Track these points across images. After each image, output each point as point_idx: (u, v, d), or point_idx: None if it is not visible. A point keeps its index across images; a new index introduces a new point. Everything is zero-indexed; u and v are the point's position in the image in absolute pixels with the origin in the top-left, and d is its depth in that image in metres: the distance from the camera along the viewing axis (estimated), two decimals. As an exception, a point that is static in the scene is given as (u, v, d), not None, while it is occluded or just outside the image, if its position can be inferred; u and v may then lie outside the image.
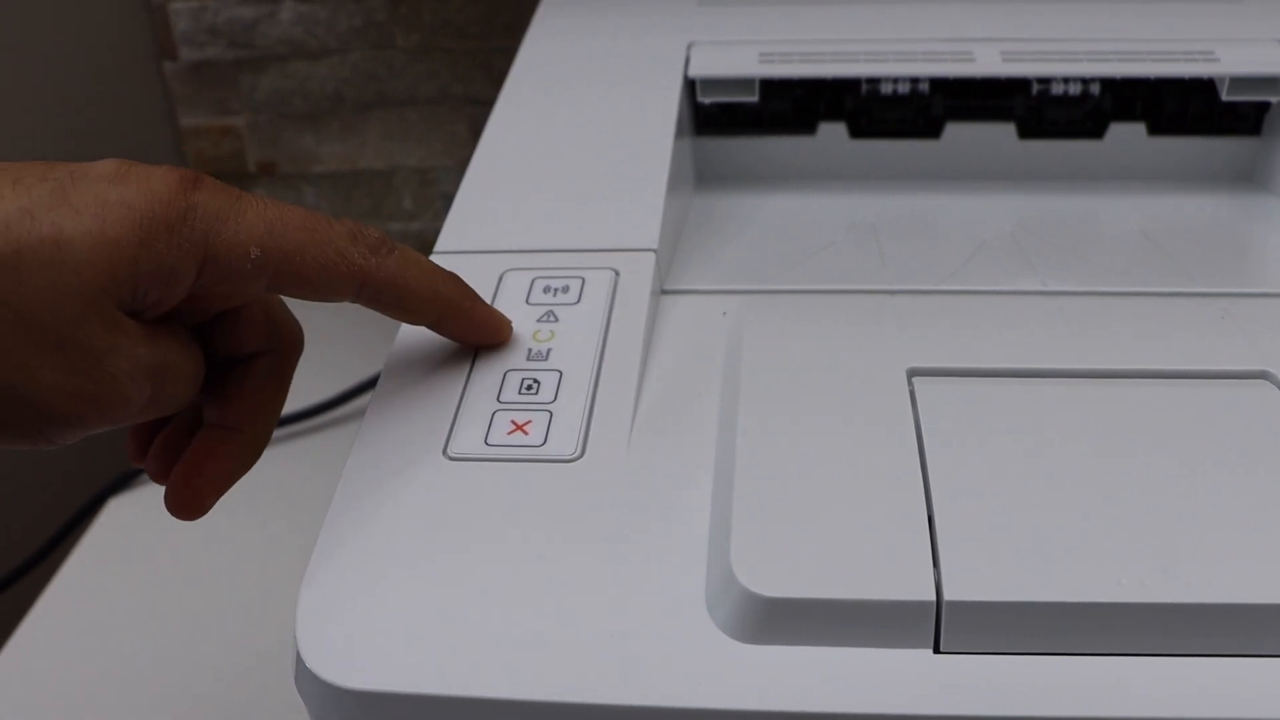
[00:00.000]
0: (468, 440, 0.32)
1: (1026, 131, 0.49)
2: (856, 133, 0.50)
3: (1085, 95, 0.48)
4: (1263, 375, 0.33)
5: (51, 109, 0.78)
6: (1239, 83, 0.46)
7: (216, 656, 0.55)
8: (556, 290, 0.37)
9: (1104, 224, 0.45)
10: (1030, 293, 0.38)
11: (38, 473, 0.82)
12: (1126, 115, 0.49)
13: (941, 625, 0.26)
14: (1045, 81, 0.48)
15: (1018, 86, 0.48)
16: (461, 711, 0.26)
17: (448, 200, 0.58)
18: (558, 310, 0.36)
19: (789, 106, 0.50)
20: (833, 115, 0.50)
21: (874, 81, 0.49)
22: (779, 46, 0.49)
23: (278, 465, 0.56)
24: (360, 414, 0.56)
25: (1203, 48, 0.47)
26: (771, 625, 0.27)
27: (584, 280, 0.37)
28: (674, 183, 0.43)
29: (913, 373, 0.34)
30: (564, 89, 0.49)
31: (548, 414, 0.33)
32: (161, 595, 0.59)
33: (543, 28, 0.55)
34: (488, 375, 0.34)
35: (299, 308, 0.34)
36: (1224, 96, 0.47)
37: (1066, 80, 0.48)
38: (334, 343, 0.63)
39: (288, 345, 0.34)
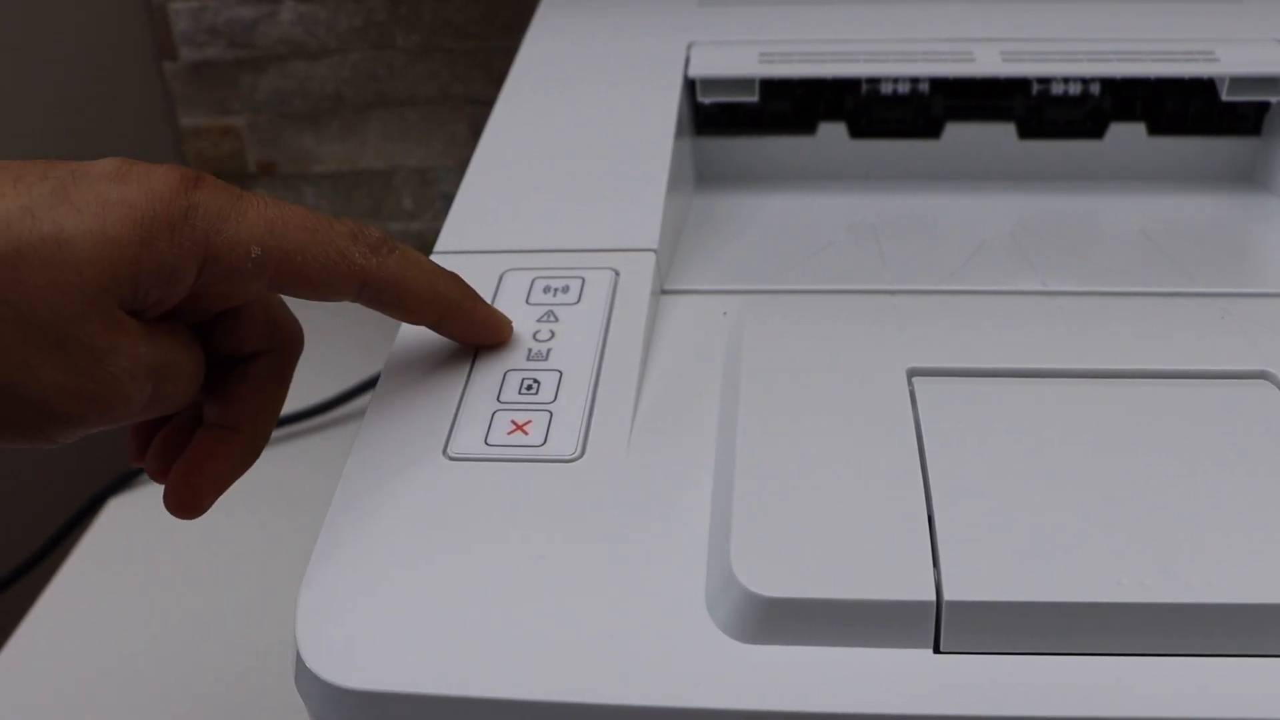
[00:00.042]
0: (468, 440, 0.32)
1: (1026, 131, 0.49)
2: (856, 133, 0.50)
3: (1085, 95, 0.48)
4: (1263, 375, 0.33)
5: (51, 109, 0.78)
6: (1239, 83, 0.46)
7: (216, 656, 0.55)
8: (556, 290, 0.37)
9: (1104, 224, 0.45)
10: (1030, 293, 0.38)
11: (38, 473, 0.82)
12: (1126, 115, 0.49)
13: (941, 625, 0.26)
14: (1045, 81, 0.48)
15: (1018, 86, 0.48)
16: (461, 711, 0.26)
17: (448, 200, 0.58)
18: (558, 310, 0.36)
19: (789, 106, 0.50)
20: (833, 115, 0.50)
21: (874, 81, 0.49)
22: (779, 46, 0.49)
23: (278, 465, 0.56)
24: (360, 414, 0.56)
25: (1203, 48, 0.47)
26: (771, 625, 0.27)
27: (584, 280, 0.37)
28: (674, 183, 0.43)
29: (913, 373, 0.34)
30: (564, 89, 0.49)
31: (548, 414, 0.33)
32: (161, 595, 0.59)
33: (543, 28, 0.55)
34: (488, 375, 0.34)
35: (299, 307, 0.34)
36: (1224, 96, 0.47)
37: (1066, 80, 0.48)
38: (334, 343, 0.63)
39: (288, 345, 0.34)
